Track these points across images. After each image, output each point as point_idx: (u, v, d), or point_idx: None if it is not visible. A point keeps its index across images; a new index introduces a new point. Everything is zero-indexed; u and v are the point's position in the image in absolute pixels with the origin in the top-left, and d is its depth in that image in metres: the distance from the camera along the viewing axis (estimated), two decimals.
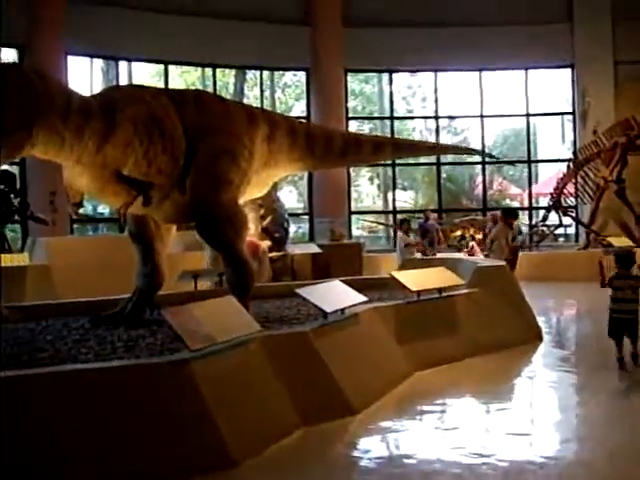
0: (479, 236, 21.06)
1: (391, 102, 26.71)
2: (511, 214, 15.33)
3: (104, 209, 23.18)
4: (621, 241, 20.12)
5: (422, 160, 30.72)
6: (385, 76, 27.04)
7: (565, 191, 21.88)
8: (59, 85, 7.01)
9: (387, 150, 9.98)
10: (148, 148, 7.17)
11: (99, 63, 23.36)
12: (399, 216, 25.76)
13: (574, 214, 23.02)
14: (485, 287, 10.12)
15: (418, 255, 15.72)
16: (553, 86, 27.44)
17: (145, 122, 7.19)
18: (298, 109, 30.31)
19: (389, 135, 25.51)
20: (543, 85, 27.12)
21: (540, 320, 11.68)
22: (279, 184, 19.86)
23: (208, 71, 25.31)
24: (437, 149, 13.24)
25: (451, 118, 29.96)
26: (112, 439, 5.14)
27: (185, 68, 27.81)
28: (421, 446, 6.02)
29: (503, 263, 11.48)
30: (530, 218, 25.57)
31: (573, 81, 25.20)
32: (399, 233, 15.19)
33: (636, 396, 7.59)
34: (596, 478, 5.30)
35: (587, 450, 5.98)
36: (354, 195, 29.14)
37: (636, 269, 8.94)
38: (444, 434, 6.38)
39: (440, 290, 9.49)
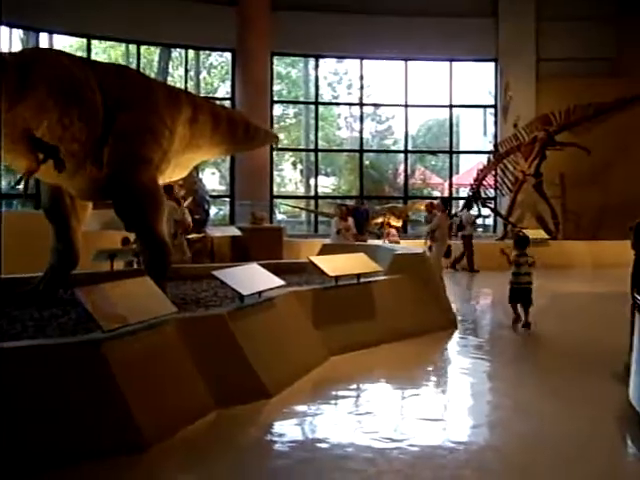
0: (398, 224, 21.28)
1: (316, 87, 26.69)
2: (449, 204, 15.52)
3: (20, 185, 22.58)
4: (537, 233, 20.58)
5: (346, 146, 30.94)
6: (312, 61, 26.99)
7: (485, 182, 22.24)
8: None
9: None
10: (63, 112, 6.94)
11: (19, 33, 22.65)
12: (321, 202, 25.87)
13: (492, 205, 23.44)
14: (402, 274, 10.22)
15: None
16: (477, 79, 27.81)
17: (61, 86, 6.96)
18: (223, 90, 30.04)
19: (314, 122, 25.72)
20: (467, 77, 27.48)
21: (455, 308, 11.86)
22: (201, 166, 19.64)
23: (132, 48, 24.85)
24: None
25: (376, 106, 30.12)
26: (19, 421, 5.01)
27: (109, 43, 27.25)
28: (334, 430, 6.03)
29: (421, 250, 11.58)
30: (450, 208, 25.89)
31: (496, 75, 25.58)
32: (334, 218, 15.13)
33: (545, 384, 7.75)
34: (504, 463, 5.39)
35: (496, 436, 6.10)
36: (277, 180, 29.07)
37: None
38: (357, 419, 6.40)
39: (358, 276, 9.53)
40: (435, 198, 20.65)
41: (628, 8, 23.69)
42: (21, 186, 7.32)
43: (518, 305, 10.87)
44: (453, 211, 24.90)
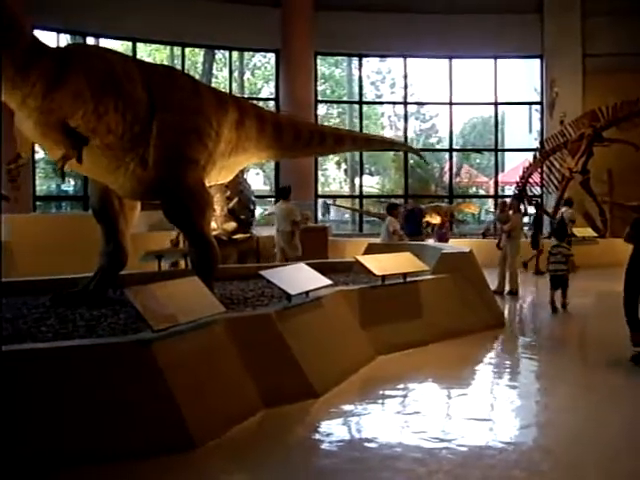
0: (436, 221, 21.16)
1: (360, 87, 26.67)
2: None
3: (67, 187, 22.93)
4: (584, 232, 20.35)
5: None
6: (355, 60, 26.97)
7: (531, 180, 22.02)
8: (15, 18, 6.82)
9: (346, 143, 10.03)
10: (99, 103, 7.02)
11: (66, 38, 22.98)
12: (365, 201, 25.84)
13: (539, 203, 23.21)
14: (449, 273, 10.17)
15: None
16: (522, 76, 27.57)
17: (100, 77, 7.06)
18: (267, 91, 30.17)
19: (358, 121, 25.64)
20: (512, 75, 27.25)
21: (504, 307, 11.80)
22: (246, 166, 19.76)
23: (177, 50, 25.06)
24: (387, 143, 13.11)
25: (420, 104, 30.02)
26: (73, 420, 5.09)
27: (154, 46, 27.53)
28: (382, 430, 6.03)
29: (468, 249, 11.49)
30: (496, 206, 25.69)
31: (542, 71, 25.33)
32: (388, 218, 15.07)
33: (596, 385, 7.67)
34: (553, 464, 5.33)
35: (546, 436, 6.04)
36: (321, 179, 29.12)
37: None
38: (405, 418, 6.39)
39: (405, 275, 9.51)
40: (507, 196, 20.38)
41: None
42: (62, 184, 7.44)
43: (558, 291, 12.19)
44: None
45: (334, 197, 29.32)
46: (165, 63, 26.47)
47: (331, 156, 32.12)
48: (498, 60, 25.69)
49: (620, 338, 9.34)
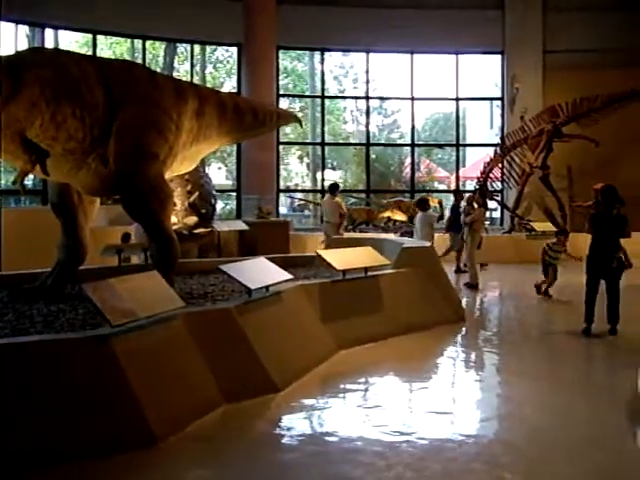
0: (403, 218, 21.24)
1: (322, 81, 26.63)
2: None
3: (27, 181, 22.62)
4: (544, 226, 20.54)
5: (352, 140, 30.93)
6: (317, 54, 26.93)
7: (491, 175, 22.16)
8: None
9: (283, 119, 10.22)
10: (56, 112, 6.94)
11: (24, 30, 22.63)
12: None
13: (499, 198, 23.38)
14: (410, 267, 10.20)
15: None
16: (483, 71, 27.72)
17: (55, 85, 6.95)
18: (229, 85, 30.03)
19: (320, 116, 25.68)
20: (474, 70, 27.38)
21: (464, 301, 11.86)
22: (207, 160, 19.65)
23: (138, 43, 24.83)
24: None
25: (382, 99, 30.07)
26: (31, 418, 5.02)
27: (114, 39, 27.24)
28: (343, 424, 6.03)
29: (429, 244, 11.56)
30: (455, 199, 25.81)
31: (503, 67, 25.47)
32: (422, 214, 15.00)
33: (556, 376, 7.75)
34: (514, 457, 5.37)
35: (507, 429, 6.10)
36: (283, 173, 29.06)
37: None
38: (366, 412, 6.40)
39: (366, 269, 9.51)
40: (475, 191, 20.44)
41: None
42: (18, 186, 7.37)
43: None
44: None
45: (296, 191, 29.34)
46: (126, 56, 26.24)
47: (293, 150, 32.12)
48: (460, 55, 25.79)
49: (580, 329, 9.50)
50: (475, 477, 4.97)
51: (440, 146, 31.68)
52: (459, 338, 9.83)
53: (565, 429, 5.98)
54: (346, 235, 16.48)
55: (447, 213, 18.65)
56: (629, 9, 23.79)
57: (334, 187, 17.35)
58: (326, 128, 27.35)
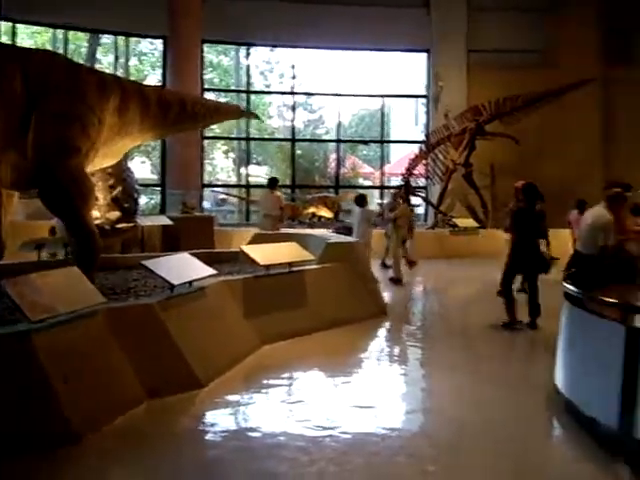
0: (329, 214, 21.31)
1: (248, 75, 26.54)
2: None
3: None
4: (467, 222, 20.89)
5: (277, 135, 30.87)
6: (243, 49, 26.80)
7: (416, 172, 22.40)
8: None
9: (222, 114, 10.06)
10: None
11: None
12: (253, 190, 25.76)
13: (424, 194, 23.66)
14: (334, 263, 10.23)
15: None
16: (409, 69, 27.95)
17: None
18: (154, 78, 29.62)
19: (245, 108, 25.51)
20: (400, 67, 27.59)
21: (387, 296, 11.95)
22: (131, 154, 19.38)
23: (59, 33, 24.30)
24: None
25: (308, 95, 30.07)
26: None
27: (35, 28, 26.60)
28: (266, 419, 6.02)
29: (353, 239, 11.60)
30: (381, 197, 26.04)
31: (428, 65, 25.75)
32: (357, 210, 14.97)
33: (478, 370, 7.87)
34: (438, 449, 5.45)
35: (430, 422, 6.17)
36: (209, 168, 28.84)
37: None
38: (290, 407, 6.40)
39: (290, 265, 9.51)
40: (399, 187, 20.57)
41: (558, 0, 24.15)
42: None
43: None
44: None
45: (221, 186, 29.14)
46: (47, 46, 25.62)
47: (219, 145, 31.89)
48: (386, 53, 25.98)
49: (500, 323, 9.69)
50: (398, 470, 5.03)
51: (365, 142, 31.82)
52: (383, 332, 9.92)
53: (486, 421, 6.08)
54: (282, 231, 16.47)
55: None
56: (548, 11, 24.33)
57: (274, 181, 17.35)
58: (251, 123, 27.24)
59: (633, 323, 5.56)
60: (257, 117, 11.40)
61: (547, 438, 5.93)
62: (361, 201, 14.85)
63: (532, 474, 5.07)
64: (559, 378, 6.51)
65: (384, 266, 16.77)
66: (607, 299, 5.80)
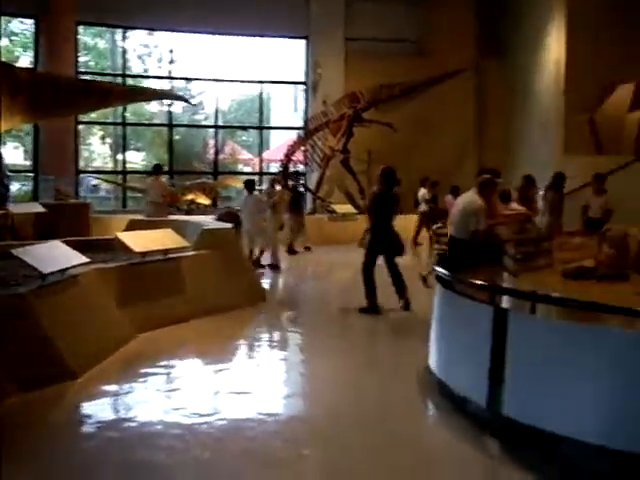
0: (207, 201, 21.20)
1: (124, 59, 25.99)
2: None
3: None
4: (345, 208, 21.14)
5: (155, 120, 30.40)
6: (119, 32, 26.21)
7: (294, 158, 22.48)
8: None
9: (114, 97, 9.76)
10: None
11: None
12: (130, 177, 25.31)
13: (302, 180, 23.76)
14: (210, 249, 10.18)
15: None
16: (289, 55, 27.98)
17: None
18: (26, 60, 28.63)
19: None
20: (279, 54, 27.58)
21: (267, 282, 12.00)
22: (2, 139, 18.72)
23: None
24: (156, 94, 12.74)
25: (187, 80, 29.69)
26: None
27: None
28: (142, 408, 5.98)
29: (229, 225, 11.55)
30: (260, 183, 26.00)
31: (307, 52, 25.83)
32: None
33: (355, 354, 8.00)
34: (313, 433, 5.55)
35: (306, 406, 6.27)
36: (85, 154, 28.14)
37: None
38: (166, 395, 6.39)
39: (165, 252, 9.42)
40: (272, 173, 20.52)
41: None
42: None
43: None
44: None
45: (97, 172, 28.47)
46: None
47: (95, 130, 31.13)
48: (265, 39, 25.91)
49: (390, 310, 9.86)
50: (274, 455, 5.08)
51: (244, 128, 31.74)
52: (261, 319, 9.95)
53: (361, 404, 6.22)
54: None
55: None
56: (423, 2, 24.83)
57: (158, 167, 17.30)
58: (128, 108, 26.71)
59: (501, 304, 5.79)
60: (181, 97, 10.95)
61: (421, 418, 6.09)
62: (251, 186, 14.68)
63: (406, 453, 5.19)
64: (432, 360, 6.71)
65: (293, 252, 17.02)
66: (475, 281, 6.01)
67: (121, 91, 10.19)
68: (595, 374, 4.83)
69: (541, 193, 13.43)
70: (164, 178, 16.80)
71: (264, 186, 17.15)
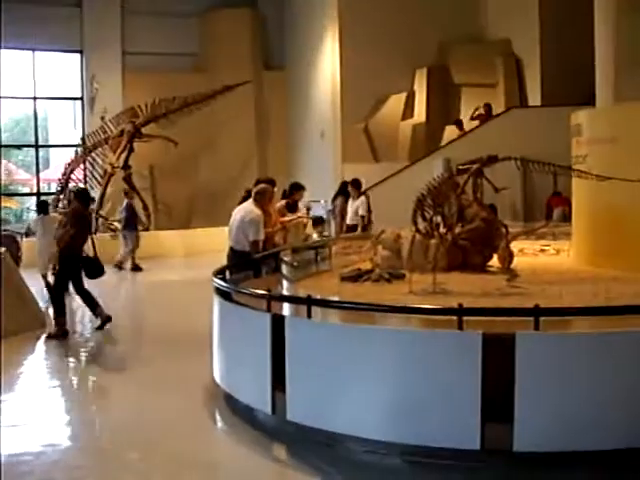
0: None
1: None
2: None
3: None
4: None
5: None
6: None
7: (73, 176, 21.79)
8: None
9: None
10: None
11: None
12: None
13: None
14: None
15: None
16: (64, 70, 27.13)
17: None
18: None
19: None
20: (54, 69, 26.69)
21: (43, 306, 11.51)
22: None
23: None
24: None
25: None
26: None
27: None
28: None
29: (3, 249, 10.98)
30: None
31: (82, 67, 25.19)
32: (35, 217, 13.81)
33: (138, 374, 7.88)
34: (94, 459, 5.41)
35: (87, 432, 6.12)
36: None
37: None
38: None
39: None
40: (52, 193, 19.64)
41: (210, 5, 24.83)
42: None
43: None
44: None
45: None
46: None
47: None
48: (37, 53, 24.97)
49: (171, 327, 9.72)
50: None
51: (18, 147, 30.44)
52: (40, 346, 9.47)
53: (146, 424, 6.16)
54: None
55: (124, 213, 18.72)
56: (202, 15, 25.00)
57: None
58: None
59: (278, 311, 5.85)
60: None
61: (208, 433, 6.08)
62: (44, 207, 14.07)
63: (192, 471, 5.14)
64: (216, 372, 6.69)
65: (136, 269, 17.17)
66: (252, 290, 6.05)
67: None
68: (372, 372, 5.02)
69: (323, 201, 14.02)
70: None
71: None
